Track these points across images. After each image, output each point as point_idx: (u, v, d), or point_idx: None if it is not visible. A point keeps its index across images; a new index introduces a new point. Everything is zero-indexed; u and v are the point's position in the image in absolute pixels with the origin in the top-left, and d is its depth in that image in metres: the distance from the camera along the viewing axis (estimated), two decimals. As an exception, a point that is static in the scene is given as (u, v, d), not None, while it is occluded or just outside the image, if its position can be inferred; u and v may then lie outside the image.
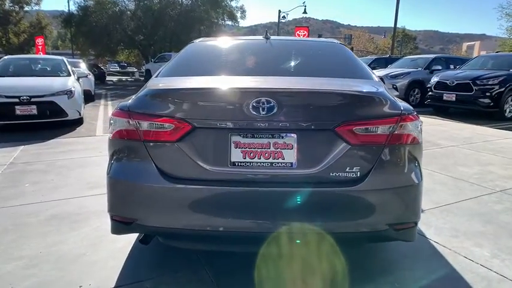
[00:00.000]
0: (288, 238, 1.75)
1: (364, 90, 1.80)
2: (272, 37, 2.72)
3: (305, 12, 32.44)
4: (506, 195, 3.48)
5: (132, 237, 2.53)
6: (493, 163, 4.68)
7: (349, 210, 1.70)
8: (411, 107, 1.85)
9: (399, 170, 1.76)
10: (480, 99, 8.25)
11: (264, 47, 2.60)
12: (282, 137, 1.70)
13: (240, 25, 32.97)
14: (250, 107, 1.66)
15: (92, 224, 2.78)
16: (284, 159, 1.70)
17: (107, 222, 2.76)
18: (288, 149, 1.69)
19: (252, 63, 2.38)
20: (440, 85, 9.05)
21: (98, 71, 23.32)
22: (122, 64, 58.98)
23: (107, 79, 26.83)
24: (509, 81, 8.26)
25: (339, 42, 2.85)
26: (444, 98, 8.86)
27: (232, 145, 1.70)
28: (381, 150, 1.72)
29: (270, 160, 1.70)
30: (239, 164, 1.70)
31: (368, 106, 1.73)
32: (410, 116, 1.77)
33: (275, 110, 1.65)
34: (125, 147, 1.83)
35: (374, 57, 16.02)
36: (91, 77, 12.58)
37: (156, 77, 2.17)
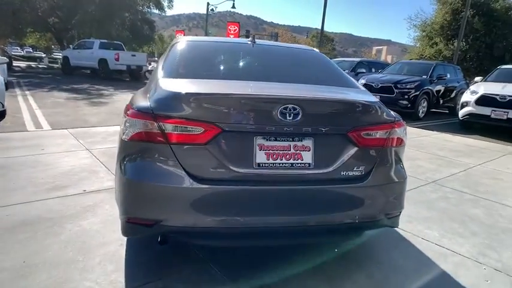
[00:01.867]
0: (302, 232, 1.96)
1: (369, 100, 2.08)
2: (257, 41, 2.86)
3: (233, 7, 32.69)
4: (437, 185, 4.18)
5: (122, 240, 2.48)
6: (419, 158, 5.49)
7: (357, 203, 1.97)
8: (398, 115, 2.19)
9: (393, 168, 2.09)
10: (400, 101, 9.45)
11: (259, 52, 2.73)
12: (301, 140, 1.88)
13: (163, 14, 31.59)
14: (279, 112, 1.80)
15: (70, 229, 2.61)
16: (303, 160, 1.88)
17: (84, 225, 2.66)
18: (306, 151, 1.88)
19: (255, 68, 2.50)
20: (366, 87, 9.99)
21: (3, 55, 20.36)
22: (26, 49, 52.18)
23: (13, 65, 23.59)
24: (423, 86, 9.62)
25: (318, 50, 3.12)
26: (370, 99, 9.90)
27: (257, 147, 1.83)
28: (380, 151, 2.02)
29: (291, 161, 1.87)
30: (263, 165, 1.84)
31: (372, 114, 2.01)
32: (400, 122, 2.10)
33: (299, 116, 1.83)
34: (146, 149, 1.81)
35: (358, 59, 16.68)
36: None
37: (164, 77, 2.14)
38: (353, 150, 1.94)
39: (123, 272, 2.14)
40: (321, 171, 1.90)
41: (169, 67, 2.31)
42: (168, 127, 1.76)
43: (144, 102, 1.88)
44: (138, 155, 1.84)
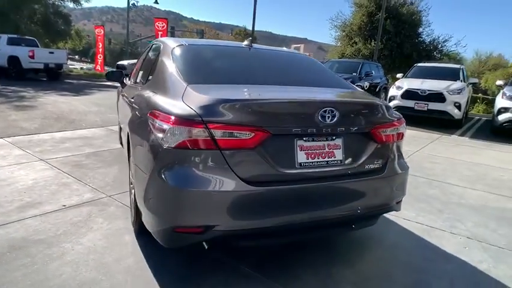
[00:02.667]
0: (336, 222, 2.14)
1: (381, 101, 2.32)
2: (254, 45, 2.95)
3: (156, 2, 31.44)
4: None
5: (137, 252, 2.37)
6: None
7: (378, 192, 2.21)
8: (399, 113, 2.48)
9: (399, 160, 2.37)
10: (336, 97, 10.22)
11: (264, 56, 2.85)
12: (333, 139, 2.04)
13: (71, 6, 28.73)
14: (319, 115, 1.93)
15: (71, 248, 2.39)
16: (335, 157, 2.05)
17: (85, 243, 2.49)
18: (337, 149, 2.05)
19: (271, 73, 2.60)
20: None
21: None
22: None
23: None
24: (354, 82, 10.50)
25: (309, 55, 3.32)
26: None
27: (298, 148, 1.94)
28: (391, 146, 2.28)
29: (326, 159, 2.02)
30: (304, 164, 1.95)
31: (386, 113, 2.25)
32: (402, 120, 2.39)
33: (336, 118, 1.98)
34: (196, 156, 1.78)
35: None
36: None
37: (193, 83, 2.10)
38: (373, 146, 2.17)
39: (157, 285, 2.07)
40: (350, 166, 2.09)
41: (188, 72, 2.27)
42: (218, 133, 1.76)
43: (185, 109, 1.84)
44: (185, 162, 1.80)
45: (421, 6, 19.59)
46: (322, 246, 2.62)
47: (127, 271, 2.18)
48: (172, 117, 1.82)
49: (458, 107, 8.75)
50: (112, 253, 2.36)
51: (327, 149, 2.02)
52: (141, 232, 2.45)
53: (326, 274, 2.28)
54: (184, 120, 1.78)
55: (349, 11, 22.16)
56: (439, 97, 8.72)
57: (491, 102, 13.64)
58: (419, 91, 8.97)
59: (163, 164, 1.85)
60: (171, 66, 2.38)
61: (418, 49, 19.00)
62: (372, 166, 2.18)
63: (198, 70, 2.38)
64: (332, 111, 1.96)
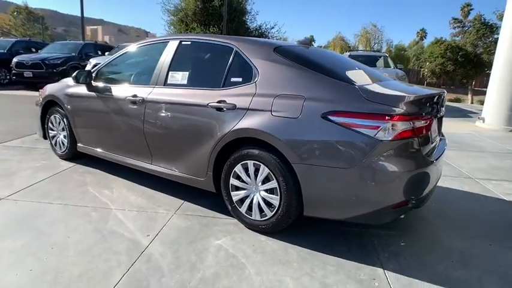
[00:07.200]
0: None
1: None
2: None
3: None
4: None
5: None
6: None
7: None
8: None
9: None
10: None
11: (333, 55, 3.29)
12: (434, 120, 2.69)
13: None
14: (441, 100, 2.67)
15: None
16: (436, 133, 2.74)
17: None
18: (435, 127, 2.71)
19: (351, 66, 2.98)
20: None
21: None
22: None
23: None
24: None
25: None
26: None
27: (432, 129, 2.51)
28: None
29: (434, 135, 2.65)
30: (433, 140, 2.57)
31: None
32: None
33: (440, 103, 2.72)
34: (404, 145, 2.18)
35: (14, 39, 14.26)
36: None
37: (357, 84, 2.36)
38: (441, 122, 2.94)
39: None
40: (439, 138, 2.89)
41: (338, 74, 2.49)
42: (416, 123, 2.22)
43: (389, 106, 2.15)
44: (397, 150, 2.17)
45: (244, -5, 21.74)
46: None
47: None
48: (387, 116, 2.14)
49: None
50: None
51: (433, 128, 2.64)
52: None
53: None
54: (398, 116, 2.14)
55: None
56: None
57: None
58: None
59: (378, 155, 2.14)
60: (304, 69, 2.49)
61: (249, 35, 21.22)
62: (442, 137, 3.05)
63: (340, 72, 2.55)
64: (443, 98, 2.73)
